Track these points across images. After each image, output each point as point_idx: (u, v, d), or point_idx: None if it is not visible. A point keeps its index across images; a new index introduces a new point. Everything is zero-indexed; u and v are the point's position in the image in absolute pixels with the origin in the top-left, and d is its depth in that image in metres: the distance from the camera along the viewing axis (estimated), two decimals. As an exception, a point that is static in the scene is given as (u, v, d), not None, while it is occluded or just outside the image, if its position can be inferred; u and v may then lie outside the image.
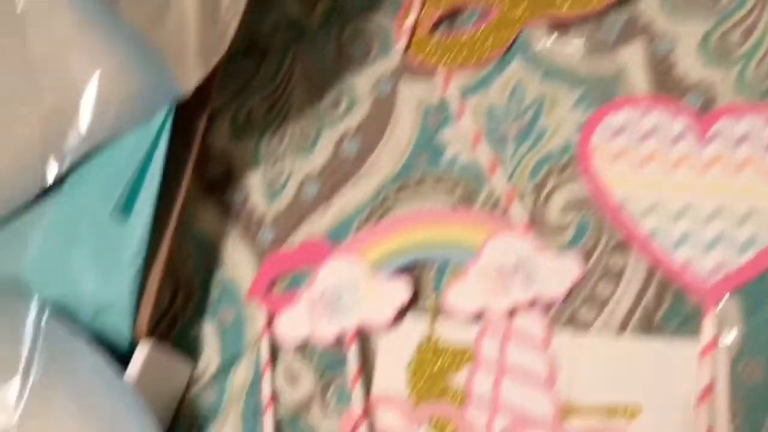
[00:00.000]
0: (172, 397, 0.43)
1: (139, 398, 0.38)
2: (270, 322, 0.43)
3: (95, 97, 0.41)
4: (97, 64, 0.41)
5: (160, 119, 0.40)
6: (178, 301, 0.46)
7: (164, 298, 0.45)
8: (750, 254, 0.36)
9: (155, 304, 0.41)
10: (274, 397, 0.42)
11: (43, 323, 0.41)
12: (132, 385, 0.39)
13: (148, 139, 0.40)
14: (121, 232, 0.40)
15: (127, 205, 0.40)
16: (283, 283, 0.44)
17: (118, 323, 0.40)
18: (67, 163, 0.42)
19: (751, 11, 0.42)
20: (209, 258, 0.47)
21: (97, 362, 0.40)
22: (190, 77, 0.40)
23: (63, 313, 0.41)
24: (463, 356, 0.40)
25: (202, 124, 0.42)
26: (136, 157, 0.40)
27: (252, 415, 0.42)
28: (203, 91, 0.42)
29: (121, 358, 0.40)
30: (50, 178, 0.42)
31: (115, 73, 0.41)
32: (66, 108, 0.41)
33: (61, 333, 0.40)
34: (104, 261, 0.40)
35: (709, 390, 0.35)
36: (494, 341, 0.39)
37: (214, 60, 0.42)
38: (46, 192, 0.42)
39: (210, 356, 0.44)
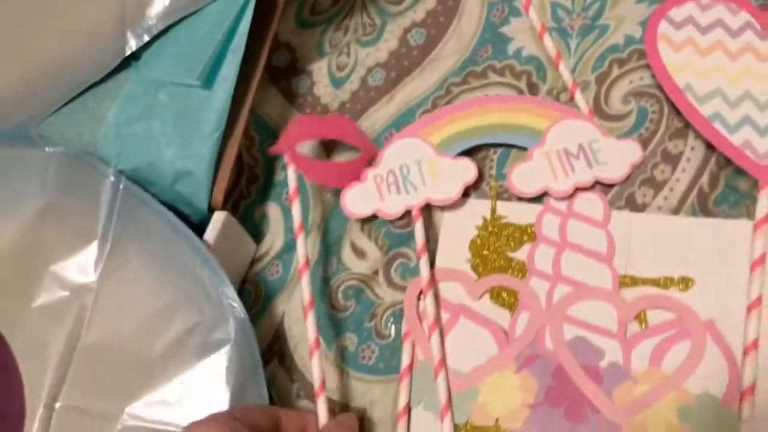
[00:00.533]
0: (241, 267, 0.45)
1: (215, 260, 0.40)
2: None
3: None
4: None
5: (244, -8, 0.41)
6: (243, 183, 0.48)
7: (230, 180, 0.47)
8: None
9: (230, 177, 0.43)
10: (341, 269, 0.44)
11: (120, 190, 0.42)
12: (209, 246, 0.41)
13: (232, 11, 0.40)
14: (203, 101, 0.41)
15: (209, 76, 0.41)
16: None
17: (196, 191, 0.42)
18: (146, 37, 0.42)
19: None
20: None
21: (174, 226, 0.41)
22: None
23: (140, 180, 0.42)
24: (525, 233, 0.42)
25: (281, 3, 0.43)
26: (219, 27, 0.40)
27: (318, 286, 0.44)
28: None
29: (194, 228, 0.41)
30: (128, 51, 0.42)
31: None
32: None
33: (137, 198, 0.42)
34: (184, 129, 0.41)
35: (761, 260, 0.37)
36: (555, 219, 0.42)
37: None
38: (121, 63, 0.43)
39: (275, 235, 0.46)
